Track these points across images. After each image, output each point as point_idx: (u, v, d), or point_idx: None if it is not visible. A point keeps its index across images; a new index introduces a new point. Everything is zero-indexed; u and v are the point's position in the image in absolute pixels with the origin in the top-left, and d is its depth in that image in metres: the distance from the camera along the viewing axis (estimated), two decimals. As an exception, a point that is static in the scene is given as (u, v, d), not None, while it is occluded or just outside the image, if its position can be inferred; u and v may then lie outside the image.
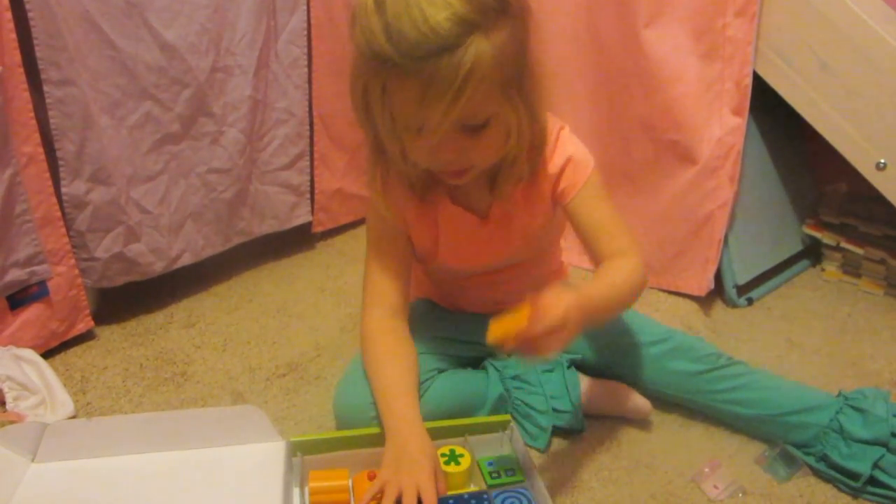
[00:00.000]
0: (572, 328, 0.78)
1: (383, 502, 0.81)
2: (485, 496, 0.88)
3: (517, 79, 0.82)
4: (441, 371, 1.04)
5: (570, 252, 1.55)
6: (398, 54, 0.74)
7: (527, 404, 1.05)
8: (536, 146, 0.92)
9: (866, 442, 0.96)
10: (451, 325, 1.11)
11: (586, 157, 0.97)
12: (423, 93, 0.76)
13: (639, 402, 1.08)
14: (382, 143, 0.89)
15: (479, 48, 0.75)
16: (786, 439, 1.02)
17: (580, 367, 1.11)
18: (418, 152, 0.85)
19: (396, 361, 0.96)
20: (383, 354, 0.97)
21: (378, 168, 0.95)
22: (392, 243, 1.01)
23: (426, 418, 0.95)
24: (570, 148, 0.96)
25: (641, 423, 1.10)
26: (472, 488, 0.93)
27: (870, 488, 0.96)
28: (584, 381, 1.09)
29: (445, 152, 0.83)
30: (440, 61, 0.74)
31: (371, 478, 0.90)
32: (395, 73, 0.77)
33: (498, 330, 0.79)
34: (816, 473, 1.00)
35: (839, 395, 1.02)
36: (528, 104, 0.84)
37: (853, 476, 0.96)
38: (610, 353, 1.11)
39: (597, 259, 0.97)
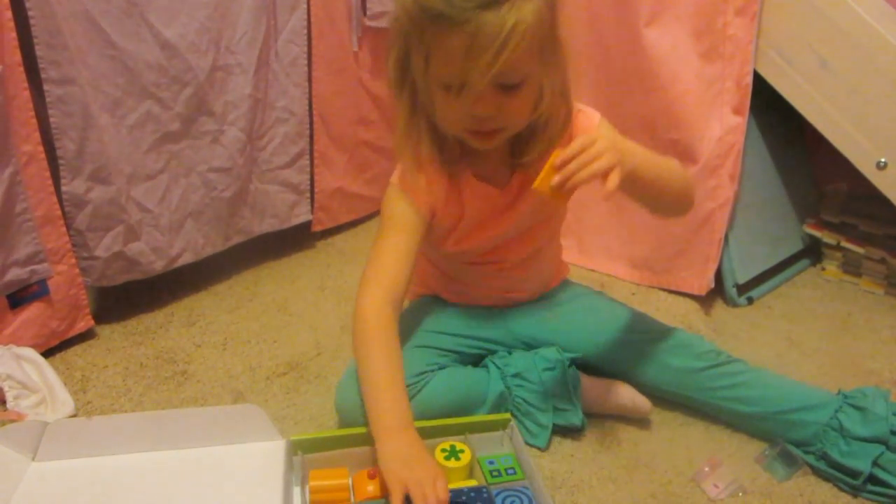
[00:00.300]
0: (604, 146, 0.82)
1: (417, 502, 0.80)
2: (483, 490, 0.88)
3: (550, 46, 0.87)
4: (442, 367, 1.04)
5: (570, 251, 1.56)
6: (447, 5, 0.80)
7: (527, 402, 1.05)
8: (562, 116, 0.96)
9: (865, 440, 0.96)
10: (455, 319, 1.12)
11: (594, 113, 1.01)
12: (468, 46, 0.81)
13: (638, 400, 1.08)
14: (416, 113, 0.93)
15: (522, 7, 0.81)
16: (785, 437, 1.02)
17: (581, 365, 1.11)
18: (455, 112, 0.89)
19: (387, 351, 0.94)
20: (375, 341, 0.94)
21: (411, 144, 0.95)
22: (409, 224, 0.98)
23: (424, 413, 0.96)
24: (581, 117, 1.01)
25: (641, 421, 1.10)
26: (472, 482, 0.93)
27: (869, 486, 0.96)
28: (585, 380, 1.09)
29: (483, 108, 0.86)
30: (486, 15, 0.79)
31: (371, 476, 0.90)
32: (441, 27, 0.82)
33: (538, 176, 0.84)
34: (816, 472, 1.00)
35: (839, 393, 1.03)
36: (559, 73, 0.91)
37: (853, 474, 0.96)
38: (610, 349, 1.11)
39: None
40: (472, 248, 1.06)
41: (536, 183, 0.85)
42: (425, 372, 1.01)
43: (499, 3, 0.80)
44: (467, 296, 1.14)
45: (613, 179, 0.82)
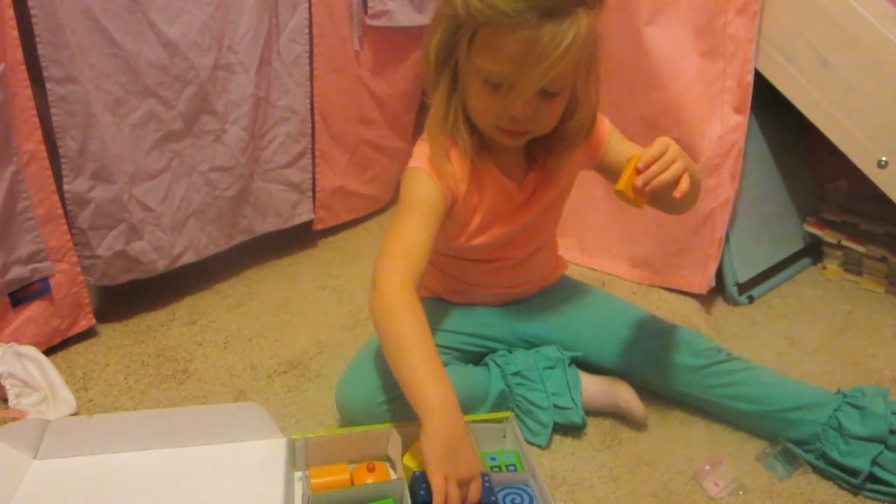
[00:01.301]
0: (677, 152, 0.87)
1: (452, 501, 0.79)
2: (485, 477, 0.86)
3: (592, 60, 0.91)
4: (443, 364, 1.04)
5: (571, 250, 1.56)
6: (511, 7, 0.80)
7: (528, 400, 1.05)
8: (588, 123, 0.99)
9: (864, 439, 0.96)
10: (455, 318, 1.12)
11: (604, 119, 1.06)
12: (525, 52, 0.82)
13: (633, 404, 1.07)
14: (454, 99, 0.94)
15: (582, 22, 0.83)
16: (785, 436, 1.02)
17: (581, 364, 1.11)
18: (492, 108, 0.90)
19: (418, 323, 0.89)
20: (404, 314, 0.88)
21: (447, 128, 0.96)
22: (432, 206, 0.95)
23: None
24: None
25: (639, 423, 1.10)
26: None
27: (869, 485, 0.96)
28: (586, 379, 1.09)
29: (523, 110, 0.89)
30: (548, 26, 0.81)
31: (370, 469, 0.90)
32: (500, 27, 0.82)
33: (621, 179, 0.88)
34: (817, 471, 1.00)
35: (838, 392, 1.03)
36: (593, 86, 0.94)
37: (852, 473, 0.96)
38: (610, 347, 1.11)
39: None
40: (484, 244, 1.05)
41: (620, 185, 0.87)
42: None
43: (561, 15, 0.81)
44: (467, 295, 1.14)
45: (685, 181, 0.87)
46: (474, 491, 0.81)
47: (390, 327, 0.88)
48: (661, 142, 0.88)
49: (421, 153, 0.98)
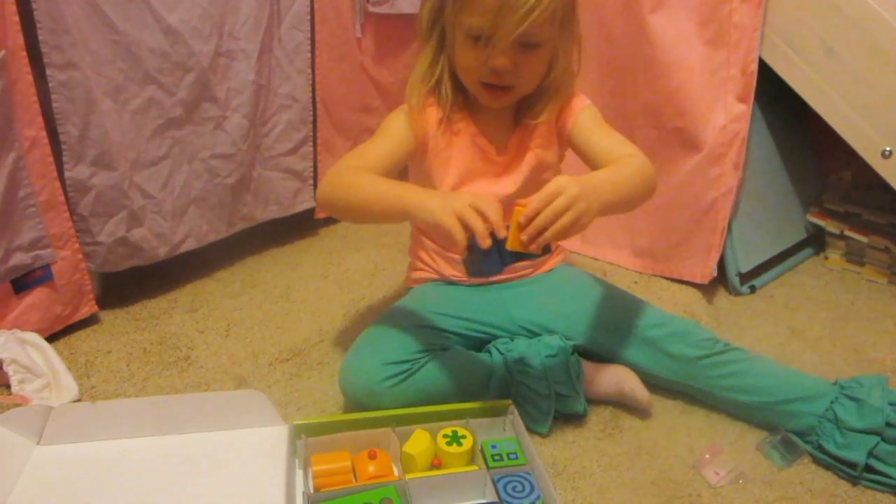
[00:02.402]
0: (575, 195, 0.82)
1: (482, 218, 0.81)
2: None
3: (568, 19, 0.99)
4: (444, 349, 1.04)
5: (572, 239, 1.56)
6: None
7: (529, 388, 1.05)
8: (567, 85, 1.06)
9: (861, 431, 0.96)
10: (456, 302, 1.12)
11: (586, 99, 1.11)
12: (501, 4, 0.91)
13: (638, 391, 1.07)
14: (440, 59, 1.03)
15: None
16: (782, 427, 1.03)
17: (583, 353, 1.11)
18: (475, 62, 0.98)
19: (365, 172, 0.98)
20: (352, 171, 0.98)
21: (423, 84, 1.05)
22: (400, 136, 1.04)
23: (425, 391, 0.99)
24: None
25: (643, 409, 1.10)
26: (474, 467, 0.93)
27: (866, 475, 0.97)
28: (589, 367, 1.10)
29: (503, 62, 0.95)
30: None
31: (372, 457, 0.91)
32: None
33: (510, 234, 0.83)
34: (816, 461, 1.01)
35: (835, 383, 1.02)
36: (571, 45, 1.02)
37: (849, 465, 0.97)
38: (607, 336, 1.12)
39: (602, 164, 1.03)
40: None
41: (508, 243, 0.83)
42: (427, 351, 1.02)
43: None
44: (459, 269, 1.14)
45: (577, 231, 0.83)
46: (493, 211, 0.82)
47: (341, 183, 0.97)
48: (545, 191, 0.82)
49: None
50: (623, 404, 1.10)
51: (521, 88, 1.01)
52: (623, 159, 1.00)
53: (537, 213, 0.82)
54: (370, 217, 1.00)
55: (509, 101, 1.03)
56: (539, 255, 0.86)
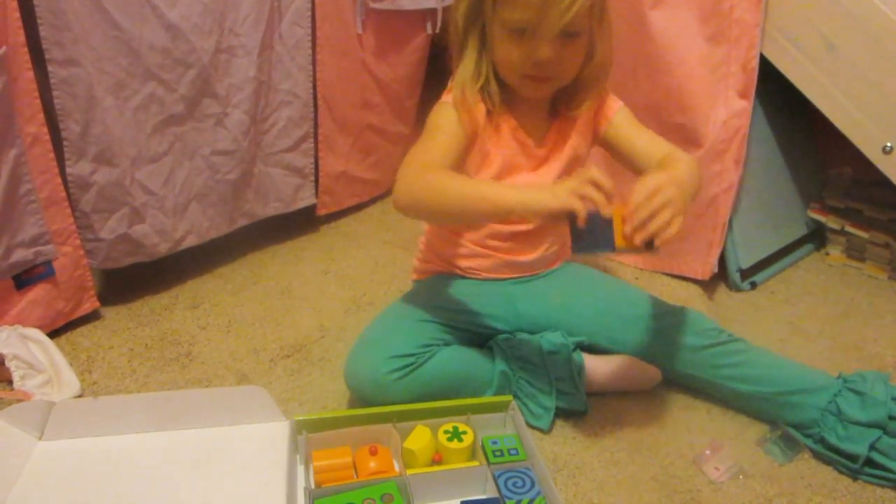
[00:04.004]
0: (671, 192, 0.84)
1: (587, 198, 0.82)
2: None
3: (603, 11, 1.00)
4: (447, 343, 1.05)
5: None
6: None
7: (531, 384, 1.06)
8: (602, 78, 1.06)
9: (863, 424, 0.96)
10: (461, 297, 1.13)
11: (618, 100, 1.12)
12: None
13: (649, 370, 1.08)
14: (483, 56, 1.02)
15: None
16: (783, 419, 1.03)
17: (585, 349, 1.11)
18: (518, 56, 0.98)
19: (449, 173, 0.97)
20: (433, 173, 0.97)
21: (475, 82, 1.03)
22: (454, 131, 1.02)
23: (428, 386, 1.00)
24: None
25: (644, 405, 1.10)
26: (475, 463, 0.94)
27: (867, 469, 0.97)
28: (591, 360, 1.10)
29: (545, 51, 0.96)
30: None
31: (373, 452, 0.91)
32: None
33: (616, 232, 0.85)
34: (817, 456, 1.01)
35: (839, 376, 1.03)
36: (607, 35, 1.02)
37: (850, 458, 0.97)
38: (613, 327, 1.12)
39: (645, 168, 1.03)
40: None
41: (616, 241, 0.85)
42: (431, 345, 1.02)
43: None
44: (475, 259, 1.14)
45: (673, 227, 0.84)
46: (608, 182, 0.83)
47: (424, 188, 0.95)
48: (646, 187, 0.85)
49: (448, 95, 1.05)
50: (627, 394, 1.10)
51: (562, 79, 1.02)
52: (678, 159, 1.01)
53: (640, 207, 0.84)
54: (462, 219, 1.01)
55: (550, 90, 1.03)
56: (648, 250, 0.85)
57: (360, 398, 1.02)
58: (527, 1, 0.93)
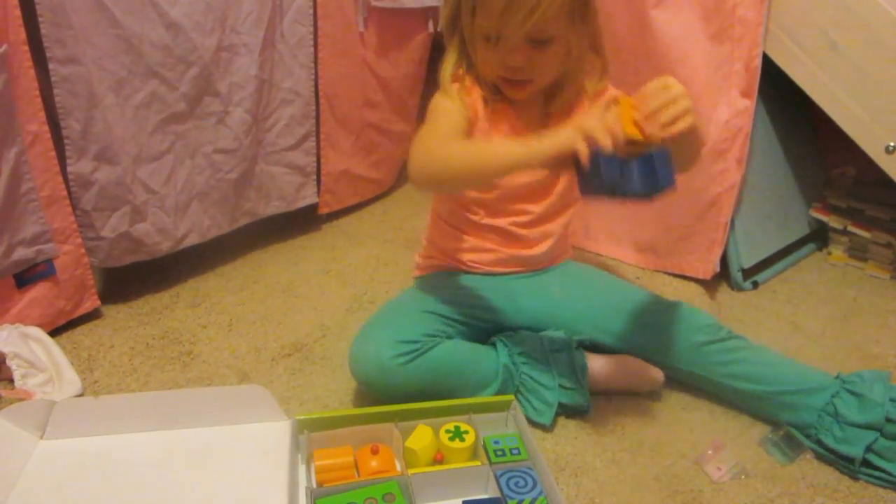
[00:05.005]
0: (682, 89, 0.84)
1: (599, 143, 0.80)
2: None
3: (582, 10, 0.99)
4: (449, 336, 1.05)
5: (576, 235, 1.56)
6: None
7: (533, 379, 1.06)
8: (597, 70, 1.07)
9: (860, 426, 0.96)
10: (464, 290, 1.13)
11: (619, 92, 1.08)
12: (506, 4, 0.93)
13: (651, 370, 1.08)
14: (463, 58, 1.06)
15: None
16: (781, 419, 1.03)
17: (588, 347, 1.11)
18: (491, 60, 1.01)
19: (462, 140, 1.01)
20: (447, 140, 1.00)
21: (459, 68, 1.07)
22: (456, 112, 1.04)
23: (431, 374, 1.00)
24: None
25: (646, 405, 1.10)
26: (476, 462, 0.94)
27: (866, 470, 0.97)
28: (594, 359, 1.10)
29: (515, 59, 0.98)
30: None
31: (374, 452, 0.91)
32: None
33: (626, 123, 0.82)
34: (819, 456, 1.01)
35: (837, 377, 1.02)
36: (589, 33, 1.02)
37: (846, 460, 0.97)
38: (614, 324, 1.12)
39: None
40: (503, 187, 1.09)
41: (627, 129, 0.82)
42: (434, 335, 1.03)
43: None
44: (476, 252, 1.15)
45: (688, 120, 0.83)
46: (601, 118, 0.82)
47: (435, 158, 0.97)
48: (657, 81, 0.85)
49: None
50: (629, 395, 1.10)
51: (539, 81, 1.03)
52: None
53: (652, 97, 0.84)
54: (476, 180, 1.00)
55: (530, 92, 1.04)
56: (666, 187, 0.82)
57: (363, 383, 1.03)
58: (490, 9, 0.95)
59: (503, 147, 0.95)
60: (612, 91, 1.11)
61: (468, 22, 1.01)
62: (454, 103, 1.04)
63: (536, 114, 1.09)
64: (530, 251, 1.15)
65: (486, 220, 1.13)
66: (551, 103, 1.08)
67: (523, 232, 1.13)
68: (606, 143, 0.80)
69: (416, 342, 1.00)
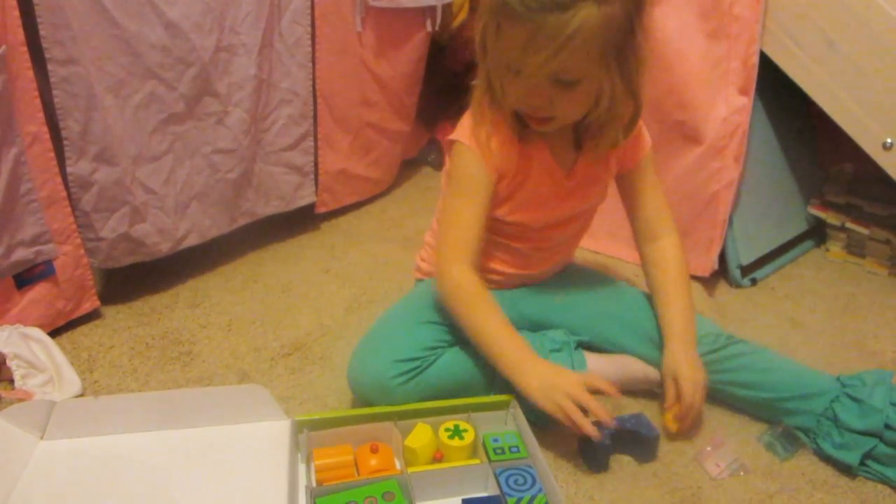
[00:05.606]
0: (701, 392, 1.01)
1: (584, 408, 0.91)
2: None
3: (618, 51, 0.88)
4: (451, 345, 1.05)
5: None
6: (518, 1, 0.84)
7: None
8: (631, 118, 0.99)
9: (859, 432, 0.96)
10: None
11: (648, 137, 1.10)
12: (528, 41, 0.86)
13: (650, 371, 1.08)
14: (492, 82, 0.97)
15: (588, 14, 0.83)
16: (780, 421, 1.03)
17: (588, 347, 1.11)
18: (513, 93, 0.94)
19: (492, 307, 0.99)
20: (478, 302, 1.00)
21: (485, 108, 0.99)
22: (482, 186, 1.00)
23: (434, 387, 0.99)
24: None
25: (644, 402, 1.10)
26: (476, 461, 0.94)
27: (863, 469, 0.96)
28: (593, 359, 1.10)
29: (534, 97, 0.92)
30: (549, 16, 0.83)
31: (374, 450, 0.91)
32: (510, 16, 0.86)
33: (669, 421, 1.03)
34: (817, 452, 1.01)
35: (837, 379, 1.02)
36: (625, 76, 0.91)
37: (844, 467, 0.97)
38: (613, 329, 1.12)
39: (642, 226, 1.13)
40: (526, 221, 1.07)
41: (672, 427, 1.02)
42: (435, 348, 1.02)
43: (564, 7, 0.83)
44: (485, 276, 1.14)
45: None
46: (588, 400, 0.92)
47: (469, 315, 0.99)
48: (691, 389, 0.99)
49: (465, 127, 1.01)
50: (629, 393, 1.10)
51: (563, 119, 0.97)
52: (679, 274, 1.10)
53: (689, 409, 1.00)
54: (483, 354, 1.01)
55: (555, 127, 0.98)
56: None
57: (362, 401, 1.02)
58: (511, 43, 0.88)
59: (515, 366, 0.95)
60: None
61: (493, 44, 0.92)
62: (482, 168, 0.98)
63: (568, 148, 1.04)
64: (534, 271, 1.15)
65: (504, 240, 1.11)
66: (584, 144, 1.03)
67: (537, 255, 1.13)
68: (595, 435, 0.91)
69: (415, 359, 0.99)
